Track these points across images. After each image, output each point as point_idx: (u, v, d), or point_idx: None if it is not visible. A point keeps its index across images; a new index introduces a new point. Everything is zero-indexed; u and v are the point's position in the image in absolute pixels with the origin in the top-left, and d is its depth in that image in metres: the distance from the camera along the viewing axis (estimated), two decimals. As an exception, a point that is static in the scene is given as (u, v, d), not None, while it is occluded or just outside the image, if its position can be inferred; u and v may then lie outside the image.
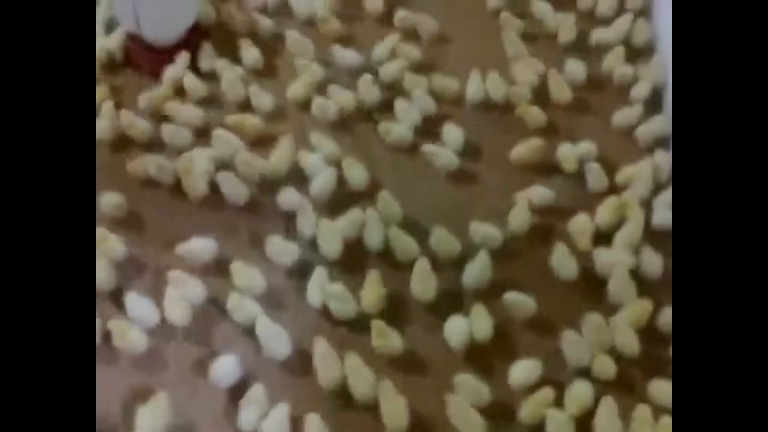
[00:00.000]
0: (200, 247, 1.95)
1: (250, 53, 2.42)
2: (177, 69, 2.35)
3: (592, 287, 1.93)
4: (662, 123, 2.23)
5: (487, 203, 2.10)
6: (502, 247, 1.98)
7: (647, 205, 2.04)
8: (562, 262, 1.93)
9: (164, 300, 1.84)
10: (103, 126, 2.20)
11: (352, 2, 2.60)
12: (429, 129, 2.26)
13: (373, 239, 1.98)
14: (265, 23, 2.52)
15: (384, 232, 1.97)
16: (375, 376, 1.74)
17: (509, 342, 1.85)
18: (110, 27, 2.48)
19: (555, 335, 1.81)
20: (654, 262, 1.93)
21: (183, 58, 2.36)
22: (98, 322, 1.80)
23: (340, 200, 2.08)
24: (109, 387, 1.73)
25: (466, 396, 1.71)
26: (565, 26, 2.49)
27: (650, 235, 1.99)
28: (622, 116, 2.27)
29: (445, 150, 2.18)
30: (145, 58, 2.38)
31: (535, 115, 2.26)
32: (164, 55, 2.37)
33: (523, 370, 1.75)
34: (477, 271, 1.89)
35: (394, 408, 1.69)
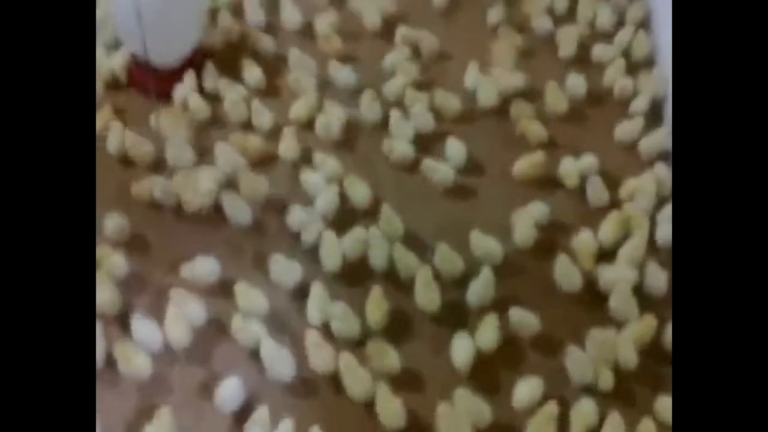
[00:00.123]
0: (204, 268, 1.95)
1: (253, 73, 2.44)
2: (185, 89, 2.37)
3: (595, 301, 1.92)
4: (664, 136, 2.22)
5: (490, 218, 2.09)
6: (504, 263, 1.98)
7: (651, 220, 2.03)
8: (566, 275, 1.93)
9: (165, 319, 1.85)
10: (107, 147, 2.22)
11: (353, 19, 2.62)
12: (431, 145, 2.26)
13: (378, 259, 1.98)
14: (267, 41, 2.54)
15: (388, 251, 1.98)
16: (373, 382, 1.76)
17: (513, 359, 1.85)
18: (113, 48, 2.51)
19: (559, 351, 1.81)
20: (659, 278, 1.92)
21: (190, 78, 2.37)
22: (103, 345, 1.81)
23: (344, 218, 2.09)
24: (113, 411, 1.74)
25: (465, 412, 1.70)
26: (565, 40, 2.49)
27: (654, 251, 1.98)
28: (624, 130, 2.26)
29: (443, 165, 2.18)
30: (150, 79, 2.40)
31: (536, 130, 2.26)
32: (171, 76, 2.38)
33: (527, 390, 1.74)
34: (481, 288, 1.89)
35: (391, 407, 1.71)
